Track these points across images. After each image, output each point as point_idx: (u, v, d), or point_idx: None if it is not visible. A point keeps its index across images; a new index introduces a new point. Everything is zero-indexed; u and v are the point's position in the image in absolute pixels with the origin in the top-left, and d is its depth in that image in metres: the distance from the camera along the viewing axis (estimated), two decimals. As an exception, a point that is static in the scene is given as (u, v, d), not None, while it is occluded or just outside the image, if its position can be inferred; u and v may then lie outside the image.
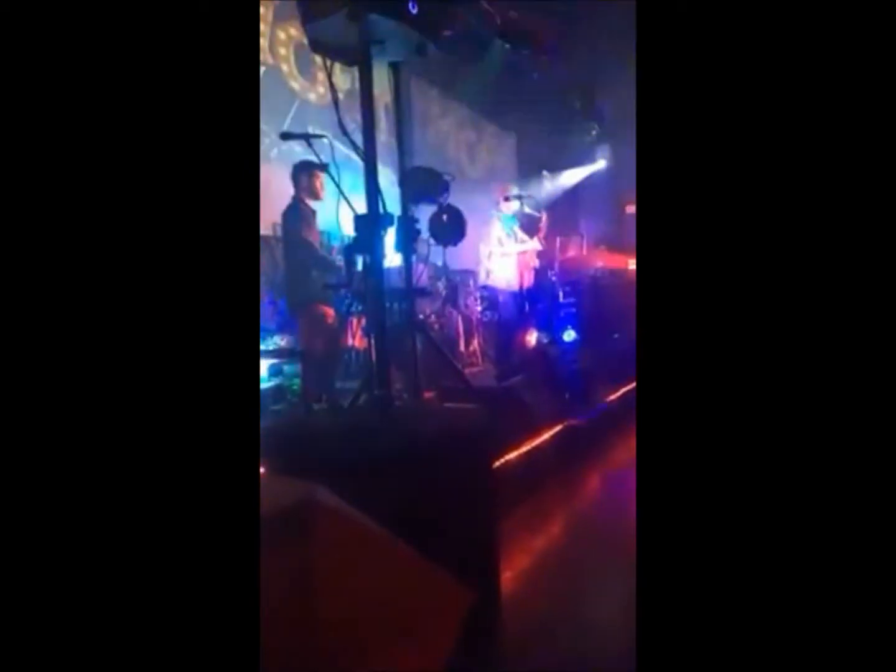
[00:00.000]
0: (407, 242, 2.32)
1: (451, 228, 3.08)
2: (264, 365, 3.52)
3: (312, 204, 3.27)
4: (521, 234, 4.57)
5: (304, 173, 3.22)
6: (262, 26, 5.16)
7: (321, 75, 5.38)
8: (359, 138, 1.96)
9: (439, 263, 5.09)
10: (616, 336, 5.32)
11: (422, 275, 3.74)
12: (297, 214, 3.22)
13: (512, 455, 2.68)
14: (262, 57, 5.14)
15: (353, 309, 3.43)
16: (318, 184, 3.23)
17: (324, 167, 3.13)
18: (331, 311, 3.30)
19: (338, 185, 2.33)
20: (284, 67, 5.43)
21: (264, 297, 4.17)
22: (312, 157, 2.70)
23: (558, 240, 5.60)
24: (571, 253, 6.42)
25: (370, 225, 2.02)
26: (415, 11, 1.89)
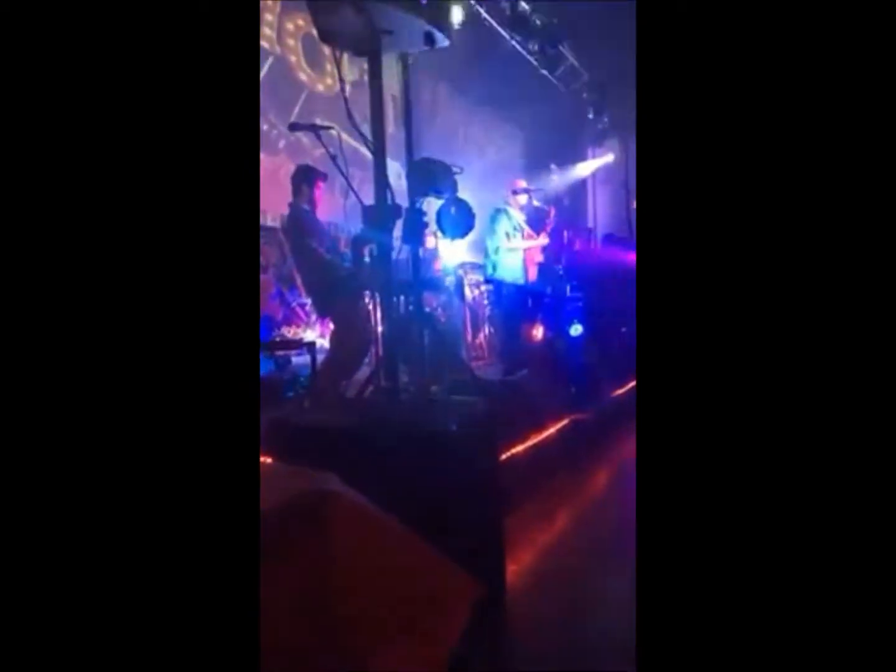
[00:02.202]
0: (414, 235, 2.31)
1: (459, 221, 3.07)
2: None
3: (309, 208, 3.24)
4: (528, 229, 4.55)
5: (304, 182, 3.17)
6: (269, 17, 5.14)
7: (329, 66, 5.37)
8: (367, 129, 1.96)
9: (447, 256, 5.08)
10: (623, 330, 5.30)
11: (429, 267, 3.73)
12: (299, 222, 3.18)
13: (518, 448, 2.69)
14: (269, 48, 5.13)
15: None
16: (317, 193, 3.18)
17: (323, 174, 3.10)
18: (361, 307, 3.28)
19: (345, 177, 2.32)
20: (293, 58, 5.42)
21: (272, 290, 4.18)
22: (319, 148, 2.68)
23: (566, 233, 5.57)
24: (579, 247, 6.39)
25: (378, 217, 2.02)
26: (424, 2, 1.88)
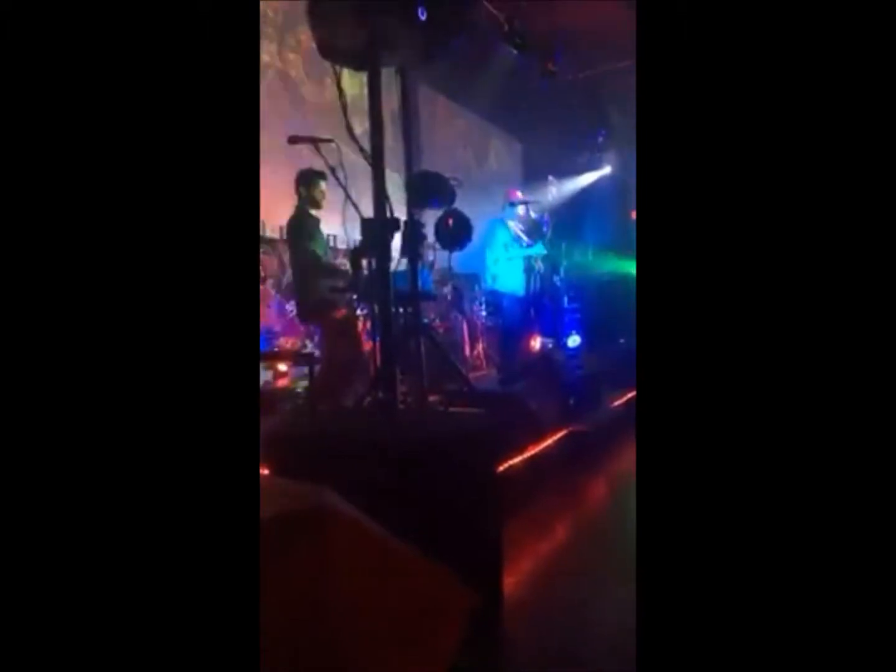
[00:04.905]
0: (413, 247, 2.33)
1: (457, 233, 3.09)
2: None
3: (315, 213, 3.28)
4: (526, 239, 4.57)
5: (304, 183, 3.23)
6: (271, 31, 5.19)
7: (328, 80, 5.41)
8: (366, 142, 1.98)
9: (445, 267, 5.10)
10: (621, 341, 5.31)
11: (427, 279, 3.74)
12: (300, 224, 3.22)
13: (516, 460, 2.68)
14: (270, 61, 5.18)
15: (359, 312, 3.43)
16: (317, 193, 3.23)
17: (324, 175, 3.15)
18: (353, 317, 3.30)
19: (344, 189, 2.34)
20: (293, 72, 5.47)
21: (272, 300, 4.18)
22: (320, 160, 2.71)
23: (563, 245, 5.60)
24: (576, 258, 6.41)
25: (376, 229, 2.04)
26: (423, 17, 1.90)
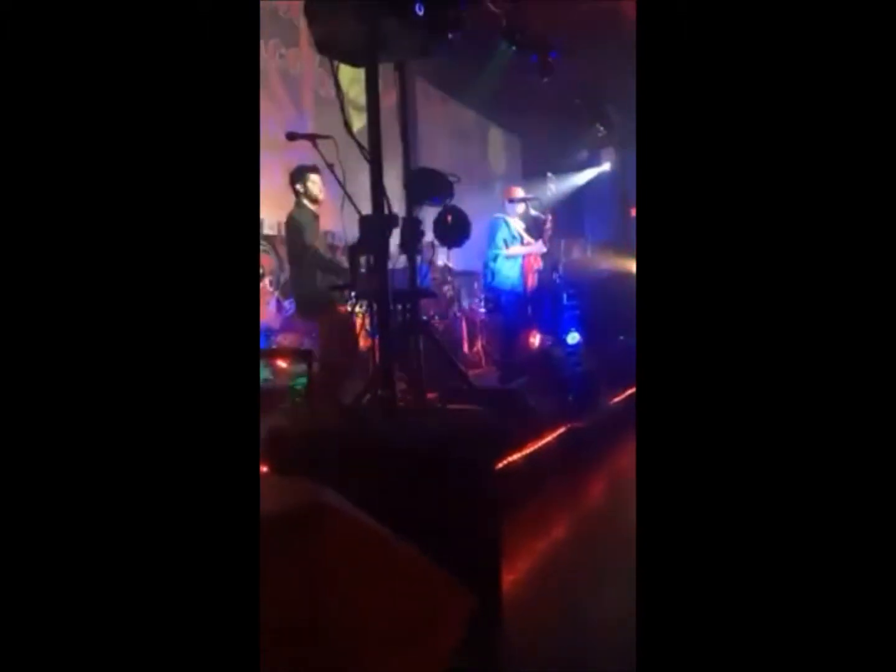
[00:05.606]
0: (411, 244, 2.32)
1: (456, 230, 3.08)
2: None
3: (314, 207, 3.28)
4: (526, 236, 4.57)
5: (298, 179, 3.23)
6: (271, 26, 5.18)
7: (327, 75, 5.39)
8: (364, 139, 1.97)
9: (444, 265, 5.09)
10: (621, 338, 5.31)
11: (426, 276, 3.74)
12: (298, 222, 3.22)
13: (515, 457, 2.68)
14: (269, 55, 5.16)
15: (358, 309, 3.43)
16: (313, 187, 3.23)
17: (315, 168, 3.15)
18: (351, 315, 3.29)
19: (342, 186, 2.33)
20: (292, 67, 5.46)
21: (270, 298, 4.18)
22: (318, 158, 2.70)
23: (563, 242, 5.59)
24: (576, 255, 6.42)
25: (375, 226, 2.03)
26: (421, 13, 1.89)
